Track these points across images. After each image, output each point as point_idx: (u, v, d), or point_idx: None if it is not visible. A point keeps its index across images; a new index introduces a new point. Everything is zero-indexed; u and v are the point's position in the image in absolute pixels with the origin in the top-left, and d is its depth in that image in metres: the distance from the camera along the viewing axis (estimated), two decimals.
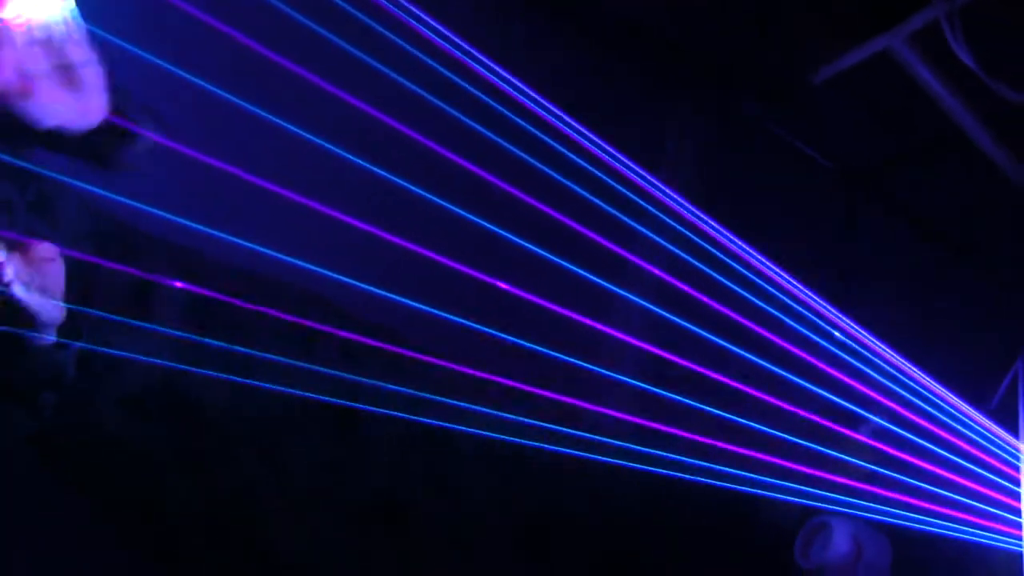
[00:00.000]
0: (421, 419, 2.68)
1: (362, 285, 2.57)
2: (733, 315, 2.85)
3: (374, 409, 2.67)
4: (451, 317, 2.63)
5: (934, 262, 4.80)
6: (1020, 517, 3.04)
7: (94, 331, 1.79)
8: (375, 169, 2.50)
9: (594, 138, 2.96)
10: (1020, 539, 2.99)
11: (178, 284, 2.80)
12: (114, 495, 2.71)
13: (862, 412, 3.46)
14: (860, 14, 3.20)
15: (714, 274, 2.88)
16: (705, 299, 2.83)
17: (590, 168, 2.89)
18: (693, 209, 3.08)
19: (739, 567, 3.49)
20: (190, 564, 2.79)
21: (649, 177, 3.04)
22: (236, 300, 2.62)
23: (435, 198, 2.62)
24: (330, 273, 2.63)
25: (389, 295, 2.53)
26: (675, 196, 3.08)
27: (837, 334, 3.22)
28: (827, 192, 4.46)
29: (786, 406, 2.91)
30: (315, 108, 2.41)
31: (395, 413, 2.63)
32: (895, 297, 4.61)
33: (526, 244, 2.67)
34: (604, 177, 2.90)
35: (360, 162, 2.46)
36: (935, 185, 4.60)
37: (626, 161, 3.00)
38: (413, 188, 2.57)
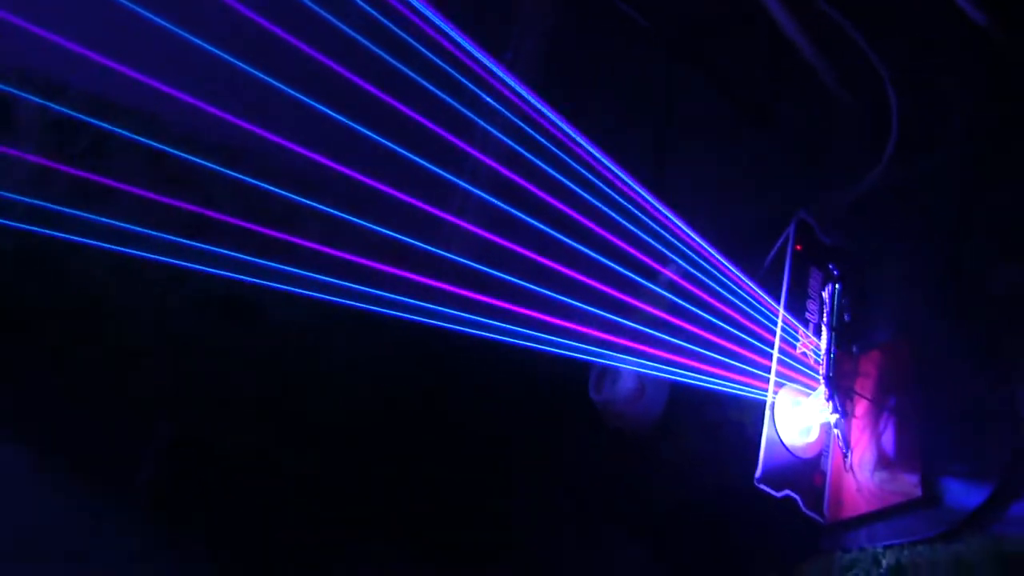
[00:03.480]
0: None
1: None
2: (556, 202, 3.18)
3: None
4: (299, 199, 2.81)
5: (735, 124, 5.27)
6: (769, 374, 3.67)
7: None
8: None
9: (440, 22, 3.06)
10: (766, 392, 3.65)
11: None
12: None
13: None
14: None
15: (543, 165, 3.17)
16: (532, 188, 3.13)
17: (431, 56, 3.01)
18: (530, 95, 3.29)
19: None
20: None
21: (491, 63, 3.20)
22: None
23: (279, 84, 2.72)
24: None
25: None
26: (515, 83, 3.27)
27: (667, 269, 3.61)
28: (651, 57, 4.76)
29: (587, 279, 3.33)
30: None
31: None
32: (702, 157, 5.08)
33: (369, 132, 2.84)
34: (445, 66, 3.04)
35: None
36: (744, 53, 4.99)
37: (470, 46, 3.14)
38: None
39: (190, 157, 2.82)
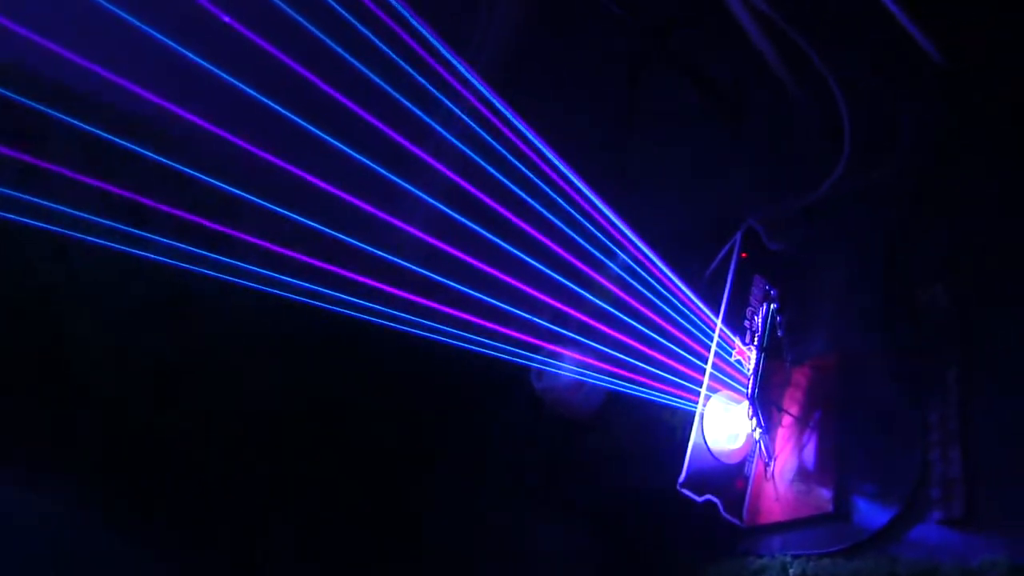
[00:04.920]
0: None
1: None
2: (508, 214, 3.17)
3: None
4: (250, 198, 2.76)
5: (697, 117, 5.26)
6: (700, 387, 3.74)
7: None
8: None
9: (403, 13, 2.97)
10: (696, 403, 3.72)
11: None
12: None
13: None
14: None
15: (497, 174, 3.15)
16: (485, 197, 3.11)
17: (388, 51, 2.93)
18: (490, 95, 3.24)
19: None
20: None
21: (453, 60, 3.13)
22: None
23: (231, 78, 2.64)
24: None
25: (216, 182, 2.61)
26: (475, 82, 3.21)
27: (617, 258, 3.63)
28: (618, 47, 4.70)
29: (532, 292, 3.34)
30: None
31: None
32: (662, 152, 5.07)
33: (322, 134, 2.79)
34: (403, 63, 2.97)
35: None
36: (712, 48, 4.97)
37: (432, 40, 3.06)
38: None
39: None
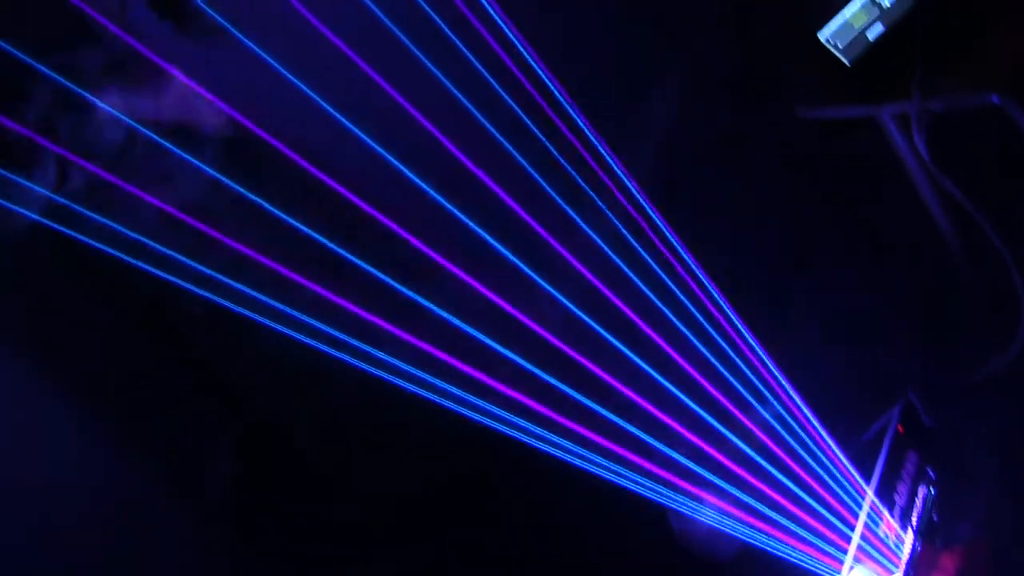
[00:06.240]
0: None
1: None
2: (651, 332, 2.91)
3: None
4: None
5: (858, 266, 4.95)
6: (845, 555, 3.33)
7: None
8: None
9: (563, 100, 2.84)
10: (838, 572, 3.30)
11: None
12: None
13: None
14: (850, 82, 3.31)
15: (644, 287, 2.92)
16: (629, 311, 2.87)
17: (543, 138, 2.80)
18: (646, 204, 3.06)
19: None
20: None
21: (608, 156, 2.98)
22: None
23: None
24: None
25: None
26: (631, 184, 3.05)
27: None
28: (786, 196, 4.50)
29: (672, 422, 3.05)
30: None
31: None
32: (817, 298, 4.77)
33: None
34: (555, 152, 2.82)
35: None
36: (876, 207, 4.71)
37: (589, 131, 2.92)
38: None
39: None
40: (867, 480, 3.65)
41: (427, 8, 2.46)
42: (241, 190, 2.60)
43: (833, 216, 5.19)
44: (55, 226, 2.40)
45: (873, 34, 3.51)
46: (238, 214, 2.67)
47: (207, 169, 2.59)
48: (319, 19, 2.33)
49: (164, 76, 2.34)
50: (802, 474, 3.51)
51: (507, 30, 2.65)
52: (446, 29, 2.50)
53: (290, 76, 2.35)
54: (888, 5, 3.52)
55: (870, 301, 4.86)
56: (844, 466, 3.62)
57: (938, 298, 4.99)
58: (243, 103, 2.47)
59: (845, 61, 3.50)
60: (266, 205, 2.59)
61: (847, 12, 3.51)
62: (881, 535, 3.73)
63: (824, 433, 3.59)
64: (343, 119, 2.44)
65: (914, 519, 3.63)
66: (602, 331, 2.86)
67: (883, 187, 4.96)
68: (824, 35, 3.50)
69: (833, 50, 3.49)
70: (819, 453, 3.59)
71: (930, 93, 3.32)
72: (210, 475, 3.19)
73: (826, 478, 3.57)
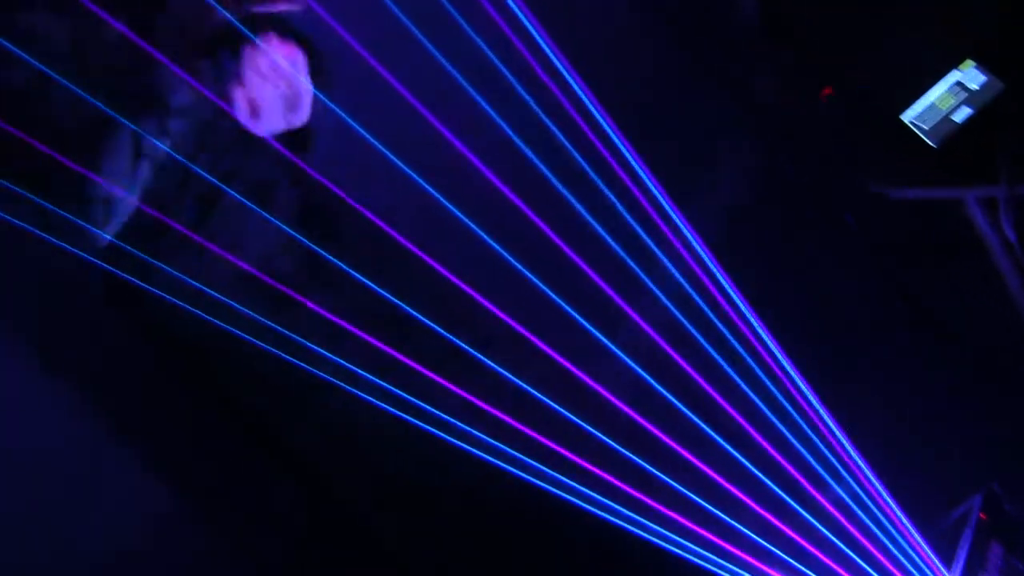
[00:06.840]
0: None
1: None
2: (719, 398, 2.84)
3: None
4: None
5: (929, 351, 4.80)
6: None
7: None
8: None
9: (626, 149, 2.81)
10: None
11: None
12: None
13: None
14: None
15: (712, 351, 2.86)
16: (694, 373, 2.81)
17: (609, 192, 2.77)
18: (711, 263, 3.02)
19: None
20: None
21: (673, 212, 2.94)
22: None
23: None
24: None
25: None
26: (697, 242, 3.01)
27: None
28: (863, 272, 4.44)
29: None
30: None
31: None
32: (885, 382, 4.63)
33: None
34: (620, 206, 2.79)
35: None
36: (953, 287, 4.60)
37: (653, 187, 2.89)
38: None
39: None
40: (947, 567, 3.46)
41: (495, 59, 2.48)
42: (315, 248, 2.63)
43: (907, 291, 5.08)
44: (133, 280, 2.43)
45: (960, 117, 3.50)
46: (308, 273, 2.70)
47: (283, 226, 2.62)
48: (396, 77, 2.37)
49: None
50: (879, 556, 3.34)
51: (571, 79, 2.66)
52: (511, 77, 2.52)
53: (371, 139, 2.38)
54: (975, 88, 3.53)
55: (947, 389, 4.71)
56: (924, 551, 3.44)
57: (1020, 383, 4.80)
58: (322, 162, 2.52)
59: (931, 143, 3.49)
60: (339, 263, 2.61)
61: (932, 95, 3.54)
62: None
63: (902, 515, 3.43)
64: (412, 173, 2.46)
65: None
66: (670, 397, 2.80)
67: (962, 268, 4.84)
68: (908, 117, 3.50)
69: (918, 132, 3.48)
70: (897, 535, 3.43)
71: (1018, 179, 3.32)
72: (271, 537, 3.15)
73: (904, 562, 3.40)
